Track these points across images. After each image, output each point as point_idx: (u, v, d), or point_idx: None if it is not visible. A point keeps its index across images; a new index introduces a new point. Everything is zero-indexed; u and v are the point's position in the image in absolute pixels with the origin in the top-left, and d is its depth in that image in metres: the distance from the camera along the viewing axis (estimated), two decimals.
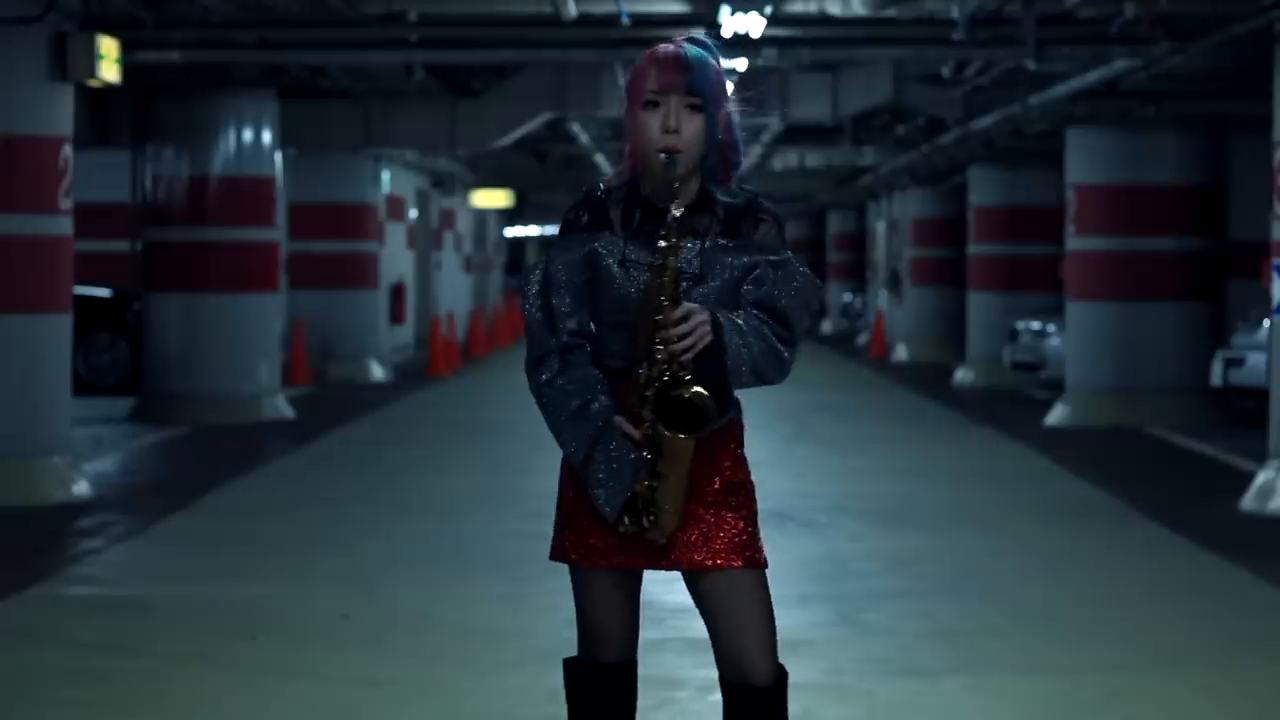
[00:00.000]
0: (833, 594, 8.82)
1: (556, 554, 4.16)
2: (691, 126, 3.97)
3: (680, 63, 3.99)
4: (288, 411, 18.44)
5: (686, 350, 3.91)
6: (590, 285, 4.05)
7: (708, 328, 3.91)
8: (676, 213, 3.93)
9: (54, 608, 8.66)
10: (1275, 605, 8.85)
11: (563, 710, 6.54)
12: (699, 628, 4.63)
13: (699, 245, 4.01)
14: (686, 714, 6.48)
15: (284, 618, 8.33)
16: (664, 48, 4.03)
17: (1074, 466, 14.47)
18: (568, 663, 4.23)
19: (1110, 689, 6.98)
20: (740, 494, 4.10)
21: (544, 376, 4.05)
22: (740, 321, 3.98)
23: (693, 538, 4.05)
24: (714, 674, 6.57)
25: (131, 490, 13.16)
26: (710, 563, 4.05)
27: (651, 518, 3.99)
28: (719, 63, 4.07)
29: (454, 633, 8.01)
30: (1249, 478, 12.64)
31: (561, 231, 4.10)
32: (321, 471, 14.44)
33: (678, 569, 4.09)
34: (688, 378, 3.93)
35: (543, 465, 14.66)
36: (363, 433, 17.68)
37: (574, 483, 4.11)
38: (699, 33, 4.15)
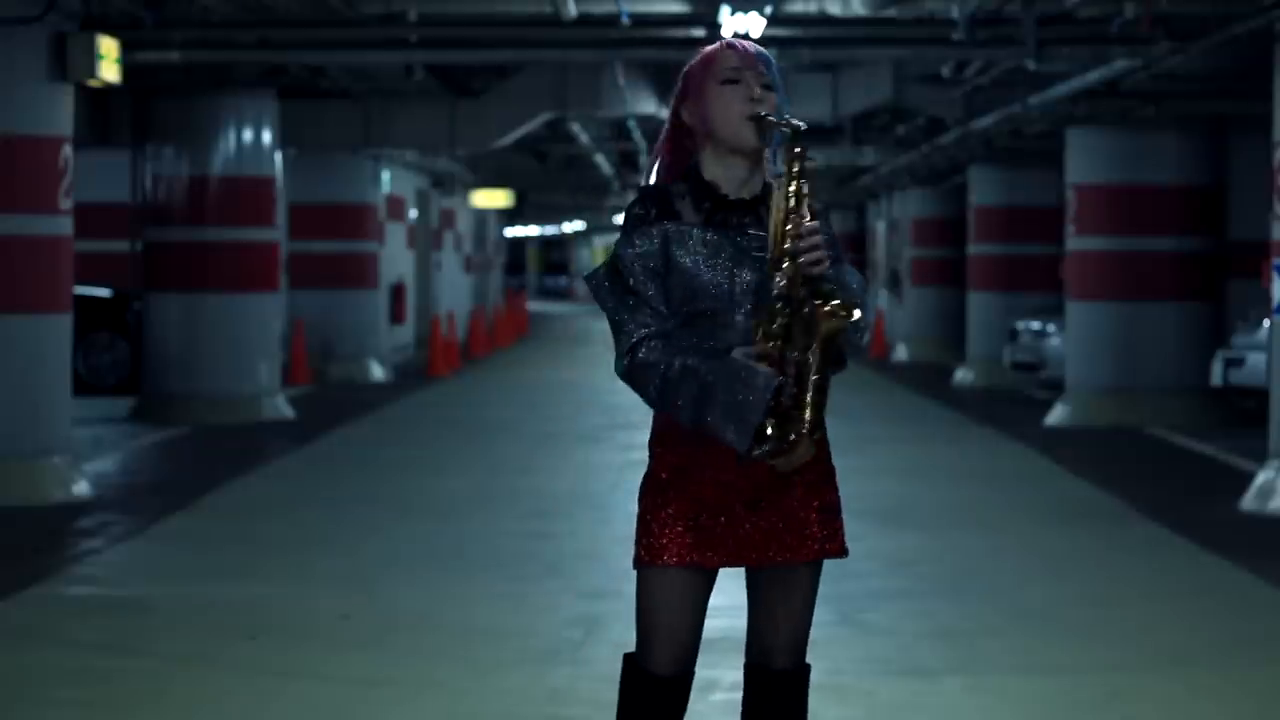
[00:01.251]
0: (833, 594, 8.81)
1: (644, 558, 4.06)
2: (769, 100, 4.03)
3: (753, 50, 4.07)
4: (288, 411, 18.44)
5: (815, 263, 3.89)
6: (667, 274, 4.00)
7: (827, 253, 3.91)
8: (802, 125, 3.94)
9: (54, 608, 8.66)
10: (1275, 605, 8.85)
11: (563, 710, 6.57)
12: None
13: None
14: (687, 714, 6.47)
15: (284, 618, 8.33)
16: (731, 39, 4.13)
17: (1074, 466, 14.47)
18: (626, 659, 4.16)
19: (1110, 689, 6.98)
20: (827, 483, 4.09)
21: (639, 357, 3.97)
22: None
23: (783, 532, 4.04)
24: (717, 674, 6.60)
25: (131, 490, 13.16)
26: (793, 556, 4.05)
27: (789, 432, 3.89)
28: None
29: (454, 633, 8.01)
30: (1249, 478, 12.64)
31: (627, 228, 4.05)
32: (321, 471, 14.44)
33: (764, 565, 4.06)
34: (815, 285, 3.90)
35: (543, 465, 14.67)
36: (363, 433, 17.68)
37: (655, 486, 4.05)
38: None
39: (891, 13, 16.48)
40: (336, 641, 7.81)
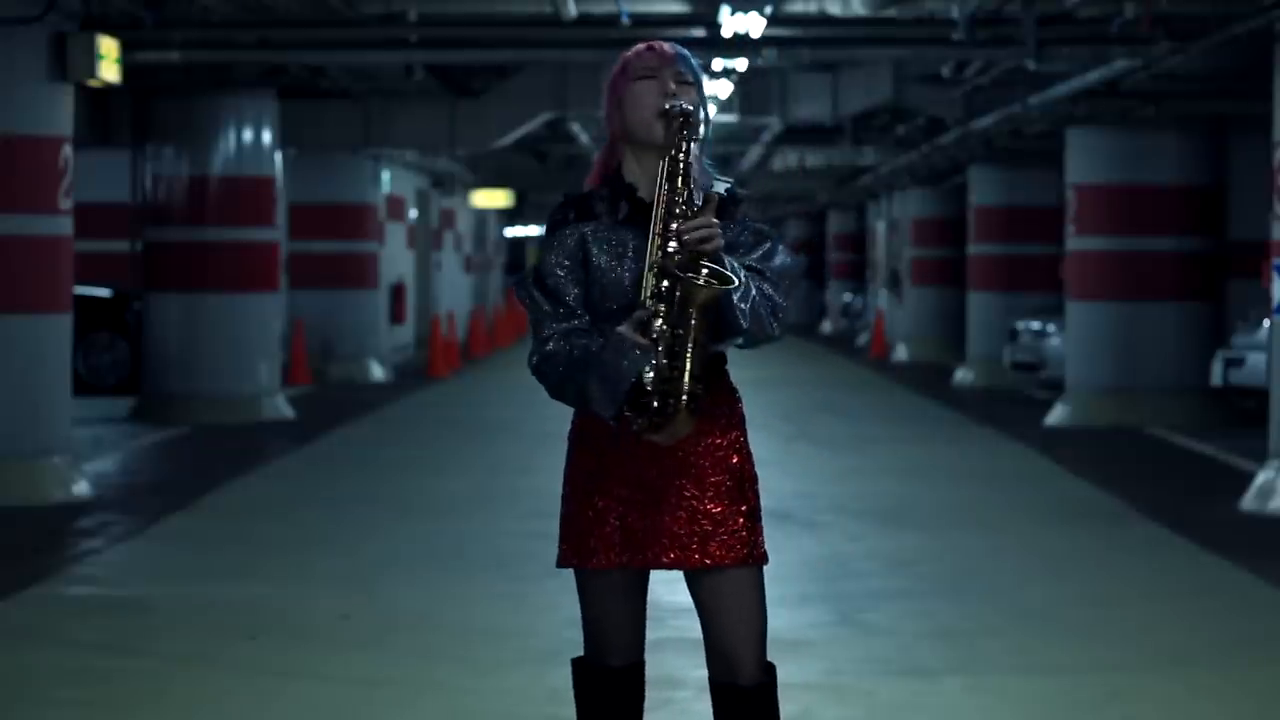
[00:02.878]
0: (833, 594, 8.82)
1: (561, 560, 4.17)
2: (686, 97, 4.04)
3: (670, 50, 4.09)
4: (288, 411, 18.44)
5: (700, 242, 3.90)
6: (584, 275, 4.07)
7: (719, 232, 3.92)
8: (688, 106, 3.97)
9: (54, 608, 8.66)
10: (1275, 605, 8.85)
11: (563, 710, 6.56)
12: (700, 628, 4.63)
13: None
14: (687, 714, 6.49)
15: (284, 618, 8.33)
16: (650, 42, 4.14)
17: (1074, 466, 14.46)
18: (575, 663, 4.24)
19: (1110, 689, 6.98)
20: (746, 487, 4.11)
21: (548, 349, 4.04)
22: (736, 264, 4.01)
23: (695, 535, 4.06)
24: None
25: (131, 490, 13.16)
26: (710, 561, 4.05)
27: (671, 405, 3.91)
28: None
29: (454, 633, 8.01)
30: (1249, 478, 12.64)
31: (548, 230, 4.13)
32: (321, 471, 14.44)
33: (680, 568, 4.10)
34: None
35: (543, 465, 14.66)
36: (363, 433, 17.68)
37: (575, 488, 4.13)
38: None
39: (891, 13, 16.48)
40: (336, 641, 7.81)
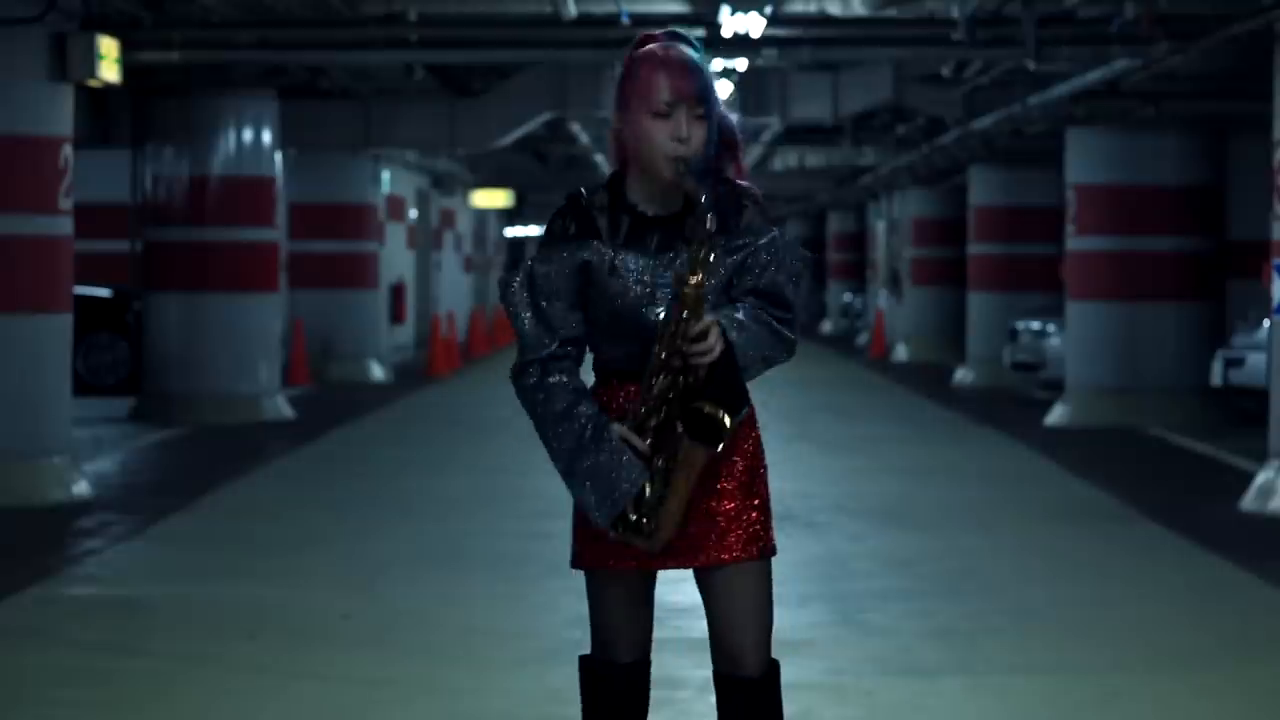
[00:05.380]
0: (833, 594, 8.82)
1: (576, 561, 4.18)
2: (698, 136, 4.00)
3: (689, 70, 4.00)
4: (288, 411, 18.44)
5: (702, 362, 3.95)
6: (584, 294, 4.06)
7: (721, 340, 3.96)
8: (711, 227, 3.94)
9: (54, 608, 8.66)
10: (1275, 605, 8.85)
11: (563, 710, 6.57)
12: (700, 628, 4.63)
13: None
14: (687, 714, 6.48)
15: (284, 618, 8.33)
16: (668, 53, 4.03)
17: (1074, 466, 14.46)
18: (582, 660, 4.25)
19: (1110, 689, 6.98)
20: (758, 481, 4.13)
21: (530, 380, 4.07)
22: (740, 315, 4.02)
23: (710, 534, 4.08)
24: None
25: (131, 490, 13.16)
26: (725, 557, 4.08)
27: (652, 526, 4.00)
28: (699, 52, 4.10)
29: (454, 633, 8.01)
30: (1249, 478, 12.64)
31: (546, 239, 4.10)
32: (321, 471, 14.44)
33: (696, 566, 4.11)
34: (701, 388, 3.97)
35: (543, 465, 14.62)
36: (363, 433, 17.68)
37: None
38: (676, 29, 4.13)
39: (891, 13, 16.48)
40: (336, 641, 7.81)
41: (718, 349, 3.95)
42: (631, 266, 4.03)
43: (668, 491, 3.99)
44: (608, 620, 4.17)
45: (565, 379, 4.04)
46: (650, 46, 4.06)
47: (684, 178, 3.97)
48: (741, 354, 3.99)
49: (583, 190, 4.13)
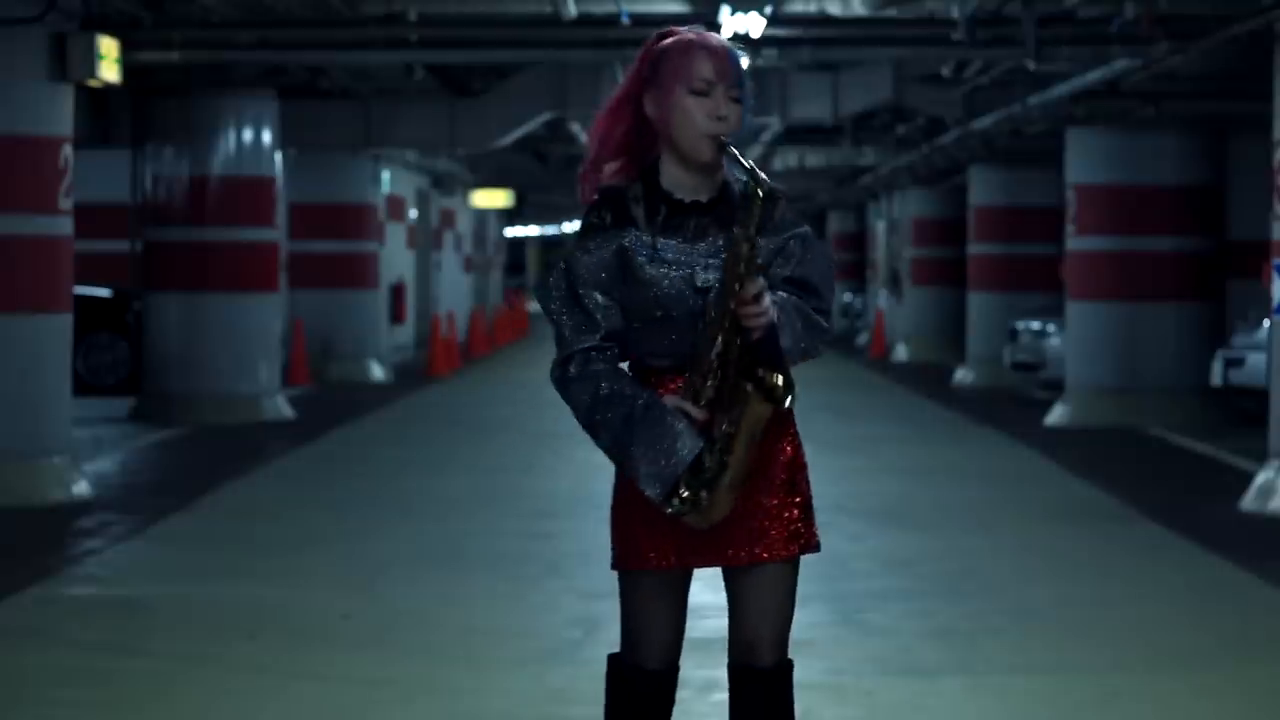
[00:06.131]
0: (833, 594, 8.82)
1: (616, 562, 4.15)
2: (734, 116, 4.00)
3: (729, 54, 4.02)
4: (288, 411, 18.44)
5: (757, 324, 3.91)
6: (623, 284, 4.02)
7: (773, 308, 3.94)
8: (761, 192, 3.93)
9: (54, 608, 8.66)
10: (1275, 605, 8.85)
11: (563, 710, 6.57)
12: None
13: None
14: (687, 714, 6.47)
15: (284, 618, 8.33)
16: (704, 36, 4.04)
17: (1074, 467, 14.46)
18: (611, 659, 4.22)
19: (1110, 689, 6.98)
20: (800, 477, 4.13)
21: (573, 371, 4.00)
22: (778, 299, 4.01)
23: (751, 530, 4.07)
24: (716, 673, 6.59)
25: (131, 490, 13.16)
26: (765, 555, 4.08)
27: (707, 500, 3.94)
28: None
29: (454, 632, 8.01)
30: (1249, 478, 12.64)
31: (583, 233, 4.06)
32: (321, 471, 14.44)
33: (737, 564, 4.09)
34: (753, 345, 3.94)
35: (543, 465, 14.66)
36: (363, 433, 17.68)
37: (630, 490, 4.07)
38: (699, 26, 4.13)
39: (891, 13, 16.48)
40: (336, 641, 7.81)
41: (770, 315, 3.92)
42: (671, 253, 4.01)
43: (728, 460, 3.93)
44: (640, 622, 4.13)
45: (609, 367, 4.00)
46: (684, 31, 4.07)
47: (724, 152, 3.96)
48: (785, 335, 3.98)
49: (613, 184, 4.09)
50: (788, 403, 3.94)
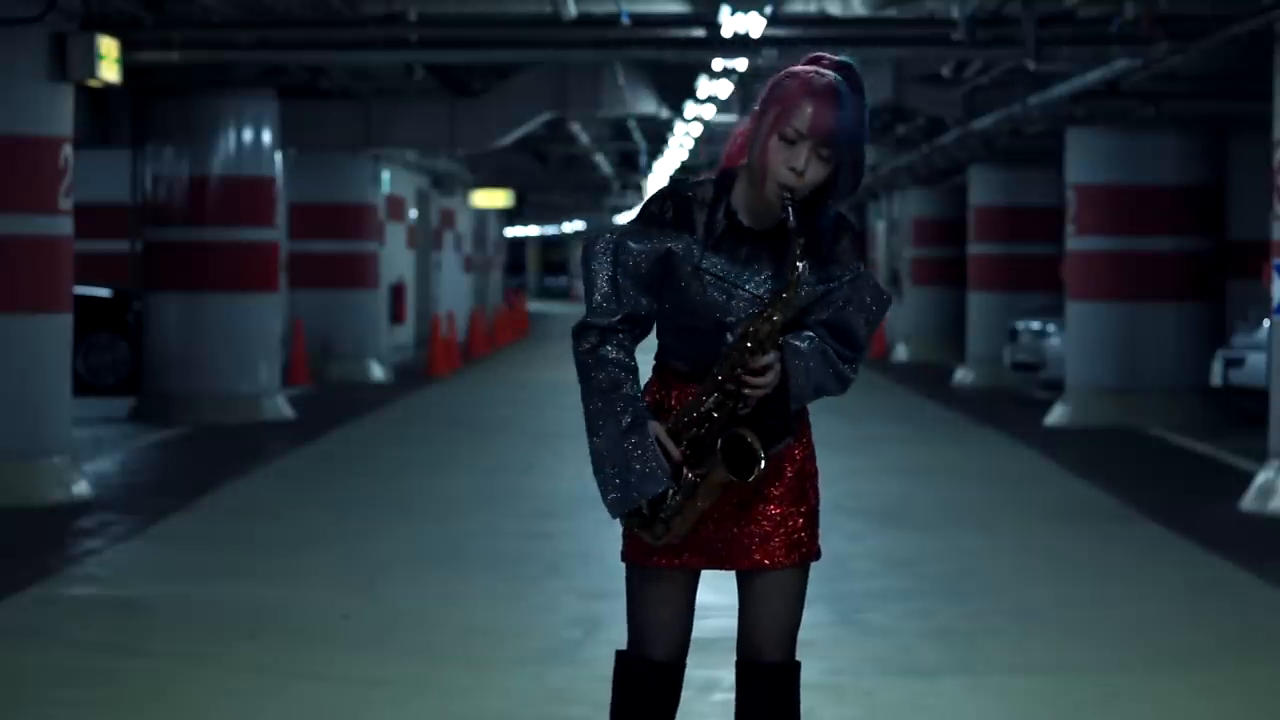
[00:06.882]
0: (832, 594, 8.82)
1: (626, 555, 4.19)
2: (815, 174, 3.96)
3: (833, 110, 3.93)
4: (288, 411, 18.44)
5: (755, 395, 3.99)
6: (660, 282, 4.05)
7: (778, 375, 3.98)
8: (800, 266, 3.94)
9: (54, 608, 8.66)
10: (1275, 605, 8.85)
11: (563, 710, 6.57)
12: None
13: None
14: (687, 714, 6.45)
15: (284, 618, 8.33)
16: (820, 80, 3.95)
17: (1074, 467, 14.46)
18: (618, 655, 4.25)
19: (1110, 689, 6.98)
20: (808, 486, 4.17)
21: (586, 344, 4.05)
22: (804, 345, 4.01)
23: (755, 537, 4.10)
24: (718, 674, 6.60)
25: (131, 490, 13.16)
26: (766, 562, 4.11)
27: (662, 530, 4.03)
28: (861, 91, 4.00)
29: (454, 632, 8.01)
30: (1249, 478, 12.64)
31: (640, 218, 4.08)
32: (321, 471, 14.44)
33: (738, 568, 4.14)
34: (748, 415, 4.00)
35: (543, 465, 14.66)
36: (363, 433, 17.68)
37: None
38: (848, 60, 4.04)
39: (891, 13, 16.48)
40: (336, 641, 7.81)
41: (771, 387, 3.97)
42: (716, 270, 4.02)
43: (686, 506, 4.02)
44: (646, 617, 4.17)
45: (619, 354, 4.03)
46: (808, 68, 4.00)
47: (785, 210, 3.94)
48: (796, 386, 4.01)
49: (688, 179, 4.11)
50: (750, 479, 3.99)
